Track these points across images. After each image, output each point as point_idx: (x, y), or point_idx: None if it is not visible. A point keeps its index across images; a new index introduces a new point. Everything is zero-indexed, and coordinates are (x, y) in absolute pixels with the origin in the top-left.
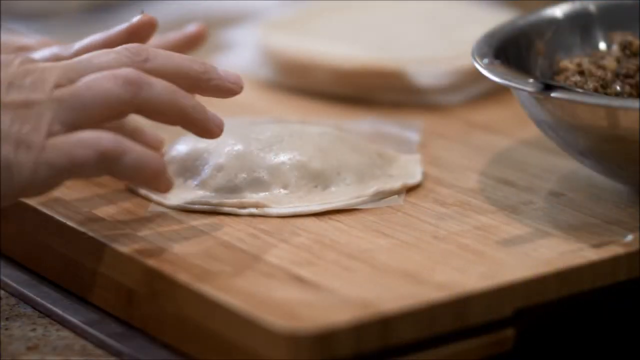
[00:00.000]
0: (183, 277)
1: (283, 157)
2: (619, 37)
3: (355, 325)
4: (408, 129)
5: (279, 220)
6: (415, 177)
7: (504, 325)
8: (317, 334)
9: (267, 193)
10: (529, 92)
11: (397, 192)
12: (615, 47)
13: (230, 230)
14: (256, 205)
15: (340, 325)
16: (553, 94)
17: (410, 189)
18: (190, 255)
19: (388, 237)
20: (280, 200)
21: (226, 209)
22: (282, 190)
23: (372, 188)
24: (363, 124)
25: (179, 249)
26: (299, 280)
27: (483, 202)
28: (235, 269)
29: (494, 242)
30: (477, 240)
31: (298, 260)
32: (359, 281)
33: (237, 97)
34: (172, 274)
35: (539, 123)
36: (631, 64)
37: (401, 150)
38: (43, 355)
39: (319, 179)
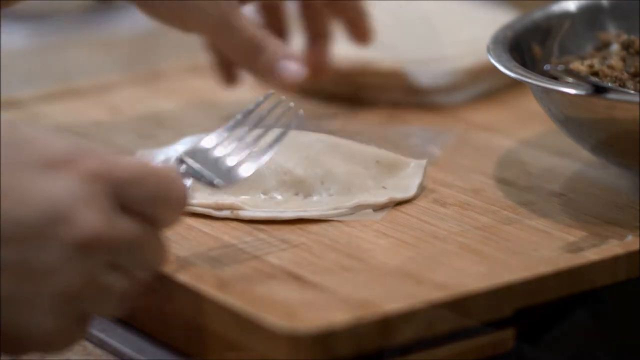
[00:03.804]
0: (183, 277)
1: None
2: (605, 36)
3: (355, 325)
4: (432, 142)
5: (279, 220)
6: (408, 191)
7: (504, 325)
8: (317, 334)
9: (247, 196)
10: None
11: (384, 206)
12: (616, 46)
13: (230, 230)
14: (231, 208)
15: (340, 325)
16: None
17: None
18: (190, 255)
19: (388, 237)
20: (258, 205)
21: (203, 210)
22: (262, 195)
23: (352, 201)
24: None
25: (179, 249)
26: (299, 280)
27: (483, 202)
28: (235, 269)
29: (494, 242)
30: (477, 240)
31: (298, 260)
32: (359, 281)
33: (237, 96)
34: (172, 274)
35: (559, 119)
36: (637, 62)
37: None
38: (43, 355)
39: (300, 187)
